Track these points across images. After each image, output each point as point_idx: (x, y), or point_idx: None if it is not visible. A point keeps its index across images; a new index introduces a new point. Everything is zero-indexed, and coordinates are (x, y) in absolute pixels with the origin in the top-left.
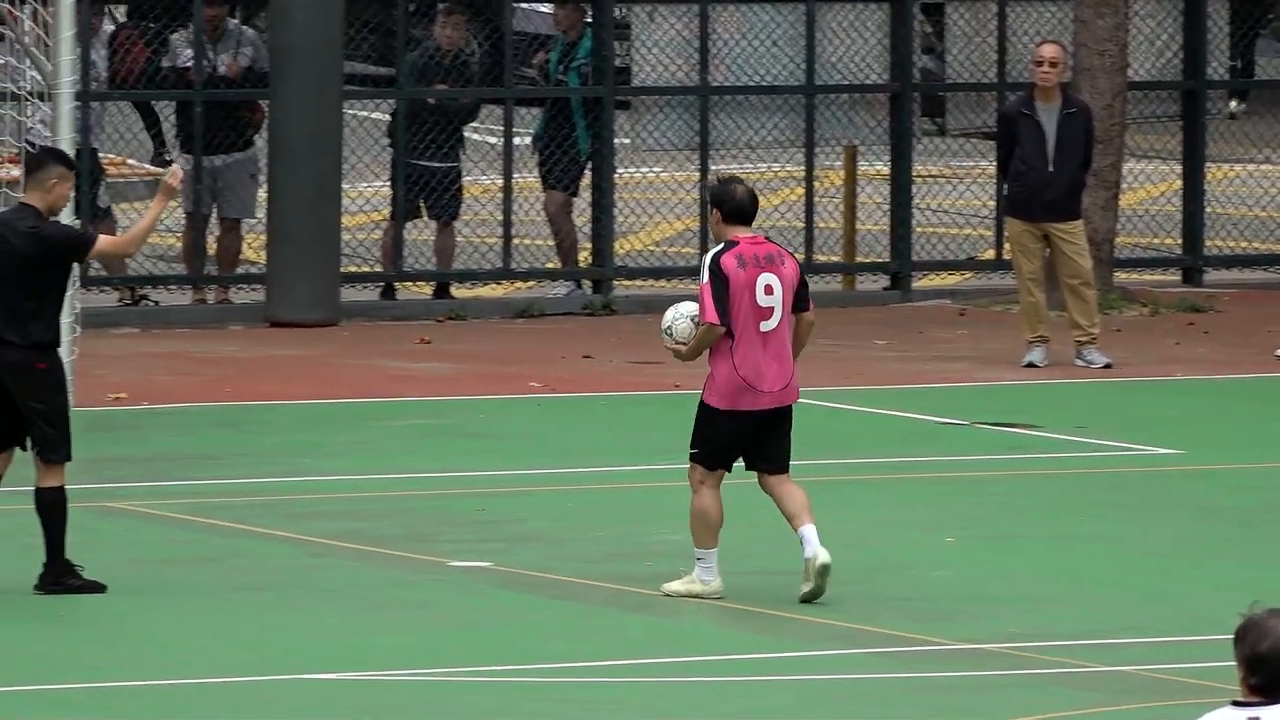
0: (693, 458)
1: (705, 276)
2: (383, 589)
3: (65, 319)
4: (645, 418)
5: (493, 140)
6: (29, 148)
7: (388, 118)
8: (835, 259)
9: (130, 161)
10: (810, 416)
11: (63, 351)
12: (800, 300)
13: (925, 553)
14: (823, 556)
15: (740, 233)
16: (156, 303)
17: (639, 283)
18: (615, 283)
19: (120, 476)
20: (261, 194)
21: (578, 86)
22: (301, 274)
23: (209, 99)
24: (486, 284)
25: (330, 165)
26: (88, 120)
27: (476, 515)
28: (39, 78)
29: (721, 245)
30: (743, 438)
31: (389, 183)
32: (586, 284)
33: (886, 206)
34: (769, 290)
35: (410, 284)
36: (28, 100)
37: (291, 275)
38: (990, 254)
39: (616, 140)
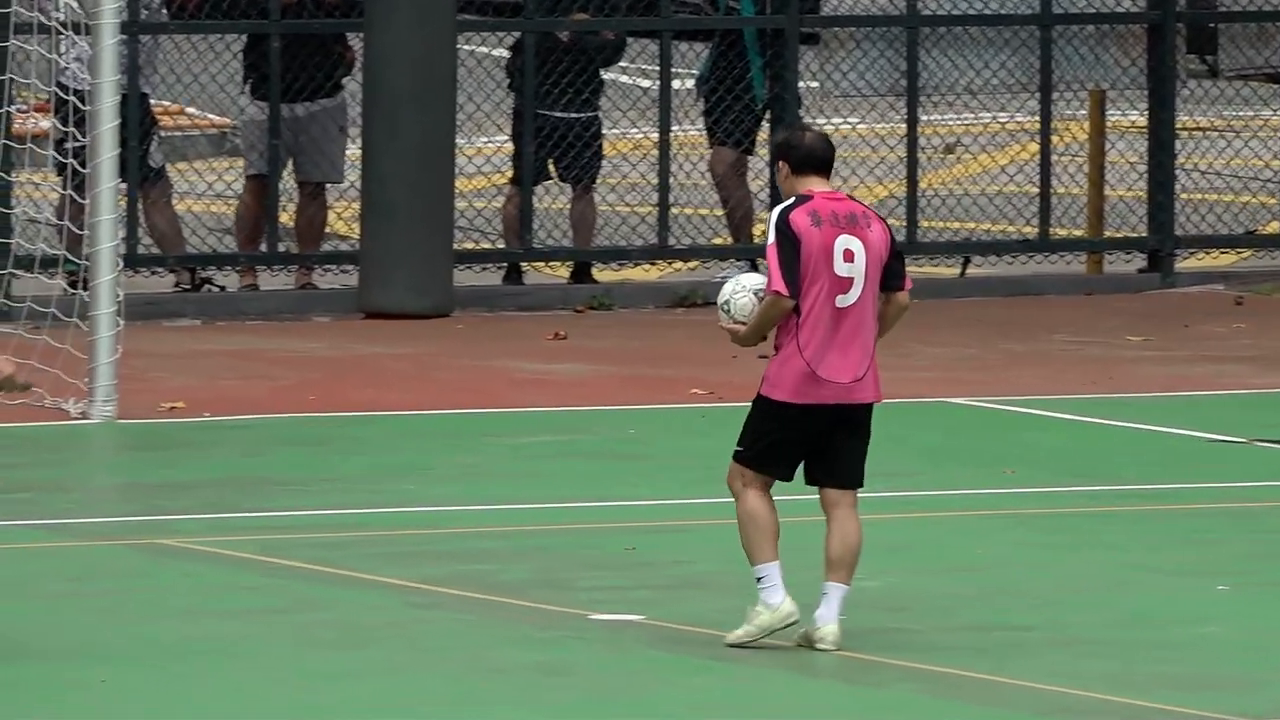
0: (736, 456)
1: (772, 236)
2: (503, 648)
3: (107, 308)
4: None
5: (645, 84)
6: (60, 93)
7: (510, 55)
8: (1078, 233)
9: (190, 111)
10: (1047, 432)
11: (102, 350)
12: (893, 275)
13: (1191, 603)
14: (831, 637)
15: (815, 185)
16: (222, 288)
17: None
18: None
19: (176, 507)
20: (353, 152)
21: (753, 16)
22: (404, 253)
23: (288, 32)
24: (636, 265)
25: (440, 116)
26: (136, 58)
27: (624, 556)
28: (75, 6)
29: (792, 199)
30: (804, 440)
31: (512, 138)
32: (763, 264)
33: (1143, 167)
34: (849, 256)
35: (540, 265)
36: (61, 34)
37: (391, 254)
38: (1273, 227)
39: (801, 84)
